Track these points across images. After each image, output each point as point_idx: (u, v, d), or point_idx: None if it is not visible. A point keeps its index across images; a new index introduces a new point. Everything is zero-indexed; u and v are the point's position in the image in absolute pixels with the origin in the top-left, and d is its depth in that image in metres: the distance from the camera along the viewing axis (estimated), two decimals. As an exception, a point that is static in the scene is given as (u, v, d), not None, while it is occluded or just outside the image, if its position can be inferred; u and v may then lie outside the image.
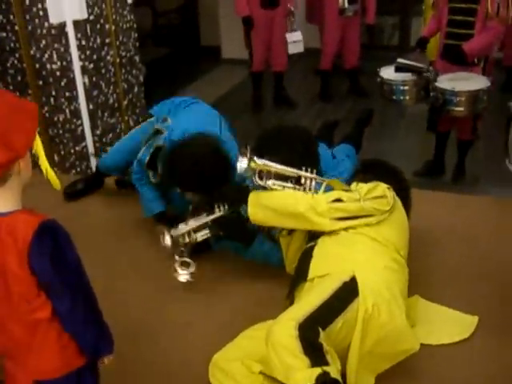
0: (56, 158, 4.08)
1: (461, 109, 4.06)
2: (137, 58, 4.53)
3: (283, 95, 6.40)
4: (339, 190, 2.40)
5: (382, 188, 2.35)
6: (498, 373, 2.19)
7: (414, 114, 5.66)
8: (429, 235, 2.96)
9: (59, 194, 3.37)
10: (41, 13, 3.67)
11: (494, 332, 2.37)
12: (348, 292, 2.03)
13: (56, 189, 1.67)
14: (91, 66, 3.98)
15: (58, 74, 3.84)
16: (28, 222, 1.50)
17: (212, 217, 2.53)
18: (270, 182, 2.36)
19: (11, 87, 3.93)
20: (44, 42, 3.76)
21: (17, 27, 3.75)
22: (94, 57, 4.00)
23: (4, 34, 3.80)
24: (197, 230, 2.56)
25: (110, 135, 4.29)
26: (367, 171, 2.70)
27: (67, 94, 3.91)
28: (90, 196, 3.53)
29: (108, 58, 4.16)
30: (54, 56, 3.80)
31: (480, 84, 4.04)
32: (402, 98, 4.24)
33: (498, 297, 2.57)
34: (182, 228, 2.53)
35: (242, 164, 2.30)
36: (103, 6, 4.01)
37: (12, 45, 3.82)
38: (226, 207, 2.51)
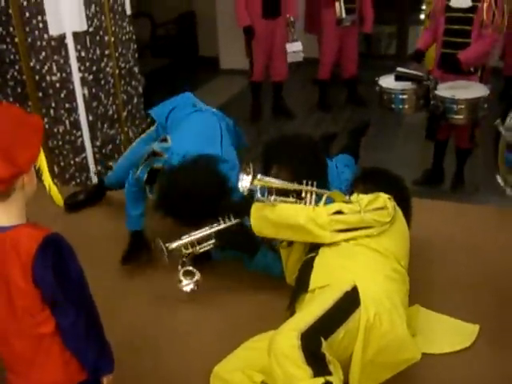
0: (56, 169, 4.08)
1: (461, 117, 4.08)
2: (136, 69, 4.54)
3: (281, 105, 6.41)
4: (340, 201, 2.41)
5: (382, 199, 2.36)
6: (499, 382, 2.20)
7: (412, 123, 5.68)
8: (428, 244, 2.97)
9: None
10: (40, 25, 3.69)
11: (494, 340, 2.37)
12: (349, 302, 2.03)
13: (58, 205, 1.67)
14: (91, 77, 3.99)
15: (57, 85, 3.85)
16: (32, 236, 1.51)
17: (216, 228, 2.54)
18: (272, 198, 2.37)
19: (11, 99, 3.94)
20: (44, 53, 3.77)
21: (17, 39, 3.76)
22: (94, 68, 4.01)
23: (4, 46, 3.81)
24: (200, 241, 2.55)
25: (110, 146, 4.30)
26: (367, 180, 2.71)
27: (67, 105, 3.92)
28: (90, 207, 3.54)
29: (107, 69, 4.17)
30: (54, 68, 3.81)
31: (480, 92, 4.06)
32: (401, 106, 4.24)
33: (498, 305, 2.58)
34: (183, 240, 2.53)
35: (244, 183, 2.31)
36: (102, 17, 4.03)
37: (12, 57, 3.83)
38: (231, 219, 2.51)
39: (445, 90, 4.09)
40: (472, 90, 4.11)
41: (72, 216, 3.45)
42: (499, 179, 3.33)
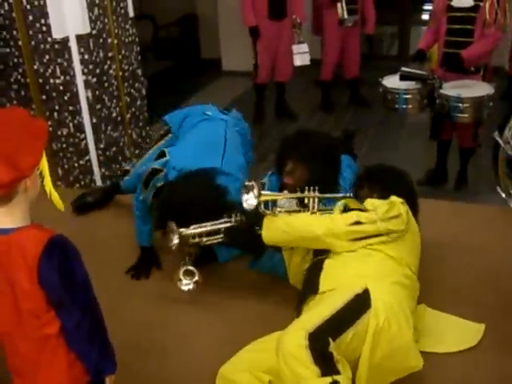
0: (60, 171, 4.09)
1: (466, 115, 4.07)
2: (139, 72, 4.55)
3: (284, 107, 6.40)
4: (355, 208, 2.40)
5: (397, 207, 2.34)
6: (503, 381, 2.20)
7: (415, 123, 5.68)
8: (432, 244, 2.96)
9: (67, 206, 3.38)
10: (44, 28, 3.69)
11: (498, 340, 2.37)
12: (360, 304, 2.03)
13: (60, 210, 1.66)
14: (94, 80, 3.99)
15: (61, 88, 3.86)
16: (37, 238, 1.51)
17: (225, 224, 2.51)
18: (277, 210, 2.36)
19: (15, 102, 3.95)
20: (47, 56, 3.78)
21: (20, 42, 3.77)
22: (97, 71, 4.02)
23: (7, 50, 3.82)
24: (208, 234, 2.53)
25: (114, 148, 4.30)
26: (372, 179, 2.68)
27: (70, 108, 3.93)
28: (98, 209, 3.54)
29: (111, 71, 4.17)
30: (57, 70, 3.82)
31: (485, 91, 4.06)
32: (405, 106, 4.23)
33: (503, 305, 2.58)
34: (194, 228, 2.50)
35: (250, 201, 2.29)
36: (105, 20, 4.04)
37: (15, 60, 3.84)
38: (240, 217, 2.49)
39: (450, 89, 4.09)
40: (477, 88, 4.11)
41: (80, 218, 3.46)
42: (499, 190, 3.34)
